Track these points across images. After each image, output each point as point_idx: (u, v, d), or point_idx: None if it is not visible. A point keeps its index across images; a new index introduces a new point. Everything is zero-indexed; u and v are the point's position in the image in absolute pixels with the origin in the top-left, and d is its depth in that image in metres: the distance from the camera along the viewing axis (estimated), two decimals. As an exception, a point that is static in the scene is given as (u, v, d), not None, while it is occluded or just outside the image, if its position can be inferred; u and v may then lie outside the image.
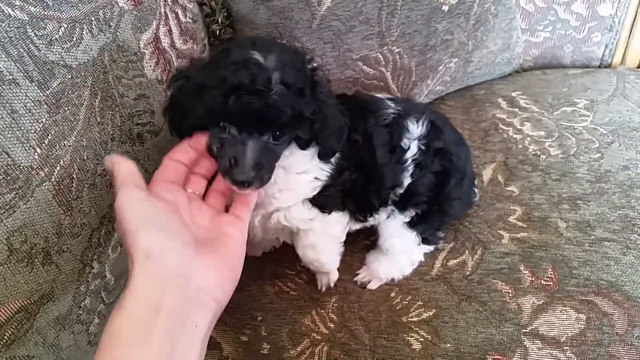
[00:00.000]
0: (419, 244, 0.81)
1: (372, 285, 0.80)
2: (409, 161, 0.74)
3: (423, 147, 0.75)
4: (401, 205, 0.78)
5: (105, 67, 0.64)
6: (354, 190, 0.72)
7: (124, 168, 0.53)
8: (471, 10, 1.04)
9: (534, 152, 0.99)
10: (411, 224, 0.80)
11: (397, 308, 0.77)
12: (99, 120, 0.63)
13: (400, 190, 0.76)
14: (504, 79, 1.24)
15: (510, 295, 0.76)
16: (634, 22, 1.28)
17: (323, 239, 0.73)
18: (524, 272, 0.78)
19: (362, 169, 0.71)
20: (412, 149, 0.74)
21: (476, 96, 1.18)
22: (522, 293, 0.76)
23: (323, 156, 0.66)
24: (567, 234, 0.83)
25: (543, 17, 1.25)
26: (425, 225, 0.81)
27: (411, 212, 0.79)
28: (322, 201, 0.70)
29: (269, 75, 0.55)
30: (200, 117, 0.57)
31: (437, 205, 0.79)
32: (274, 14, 0.88)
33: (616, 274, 0.76)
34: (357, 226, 0.80)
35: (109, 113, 0.65)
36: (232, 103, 0.53)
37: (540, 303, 0.74)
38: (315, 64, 0.65)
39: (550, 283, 0.76)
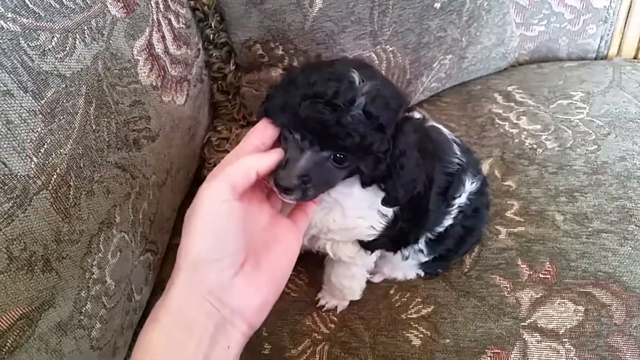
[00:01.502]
0: (419, 270, 0.82)
1: (376, 279, 0.81)
2: (456, 207, 0.73)
3: (469, 202, 0.74)
4: (432, 246, 0.76)
5: (99, 75, 0.65)
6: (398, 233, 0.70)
7: (242, 166, 0.50)
8: (463, 6, 1.04)
9: (530, 146, 0.99)
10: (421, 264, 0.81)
11: (397, 305, 0.77)
12: (94, 127, 0.63)
13: (440, 230, 0.74)
14: (499, 74, 1.25)
15: (509, 289, 0.76)
16: (628, 12, 1.28)
17: (361, 270, 0.74)
18: (522, 266, 0.79)
19: (412, 213, 0.68)
20: (462, 198, 0.73)
21: (472, 92, 1.18)
22: (520, 287, 0.76)
23: (386, 203, 0.61)
24: (565, 226, 0.83)
25: (537, 11, 1.25)
26: (434, 265, 0.81)
27: (435, 255, 0.78)
28: (371, 244, 0.69)
29: (355, 96, 0.52)
30: (275, 110, 0.56)
31: (454, 252, 0.79)
32: (266, 17, 0.89)
33: (614, 265, 0.77)
34: None
35: (105, 120, 0.65)
36: (304, 107, 0.52)
37: (539, 296, 0.75)
38: (412, 115, 0.62)
39: (548, 276, 0.77)
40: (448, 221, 0.73)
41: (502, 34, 1.17)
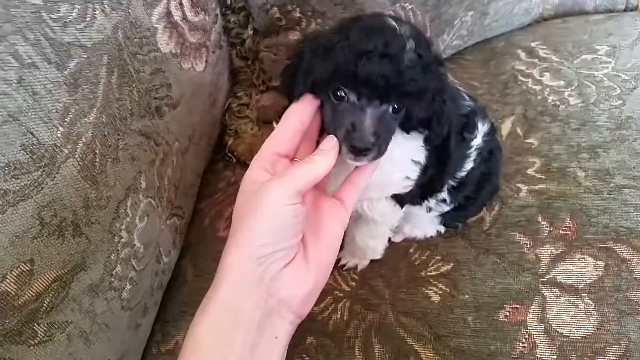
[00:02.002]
0: (440, 225, 0.83)
1: (397, 239, 0.83)
2: (474, 149, 0.74)
3: (483, 144, 0.75)
4: (453, 194, 0.77)
5: (119, 44, 0.66)
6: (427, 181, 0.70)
7: (311, 173, 0.49)
8: (485, -40, 1.02)
9: (553, 103, 0.98)
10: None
11: (416, 264, 0.79)
12: (117, 96, 0.65)
13: (462, 174, 0.75)
14: (523, 30, 1.22)
15: (528, 246, 0.77)
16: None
17: (386, 229, 0.75)
18: (542, 223, 0.79)
19: (437, 157, 0.68)
20: (478, 139, 0.74)
21: (495, 49, 1.16)
22: (540, 243, 0.77)
23: (431, 140, 0.61)
24: (586, 182, 0.83)
25: (563, -38, 1.21)
26: (454, 215, 0.81)
27: (455, 203, 0.79)
28: (404, 197, 0.70)
29: (404, 42, 0.53)
30: (324, 78, 0.54)
31: (473, 200, 0.79)
32: (283, -22, 0.89)
33: (636, 220, 0.76)
34: None
35: (127, 89, 0.67)
36: (362, 65, 0.51)
37: (559, 252, 0.75)
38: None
39: (569, 232, 0.77)
40: (469, 164, 0.74)
41: (526, -12, 1.14)
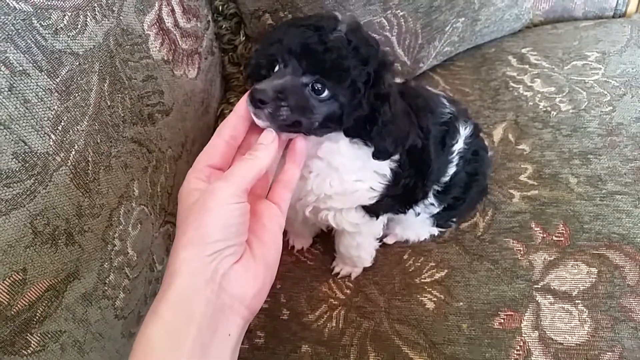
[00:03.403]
0: (433, 227, 0.83)
1: (389, 240, 0.83)
2: (455, 153, 0.74)
3: (466, 146, 0.76)
4: (440, 197, 0.77)
5: (111, 51, 0.65)
6: (404, 192, 0.70)
7: (254, 170, 0.51)
8: (476, -34, 1.02)
9: (544, 109, 0.98)
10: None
11: (410, 270, 0.79)
12: (109, 104, 0.64)
13: (445, 179, 0.75)
14: (513, 36, 1.22)
15: (522, 252, 0.77)
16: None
17: (367, 239, 0.75)
18: (535, 229, 0.79)
19: (415, 168, 0.69)
20: (459, 143, 0.75)
21: (486, 55, 1.17)
22: (533, 250, 0.77)
23: (376, 156, 0.61)
24: (578, 189, 0.83)
25: (553, -32, 1.22)
26: (446, 215, 0.82)
27: (445, 205, 0.79)
28: (376, 208, 0.69)
29: (338, 26, 0.56)
30: (265, 50, 0.58)
31: (462, 201, 0.80)
32: (275, -17, 0.89)
33: (628, 226, 0.77)
34: None
35: (119, 96, 0.66)
36: (290, 33, 0.55)
37: (552, 259, 0.75)
38: (391, 61, 0.62)
39: (562, 239, 0.77)
40: (452, 169, 0.75)
41: (516, -5, 1.15)
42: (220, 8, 0.93)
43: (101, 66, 0.63)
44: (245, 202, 0.49)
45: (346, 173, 0.64)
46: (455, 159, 0.75)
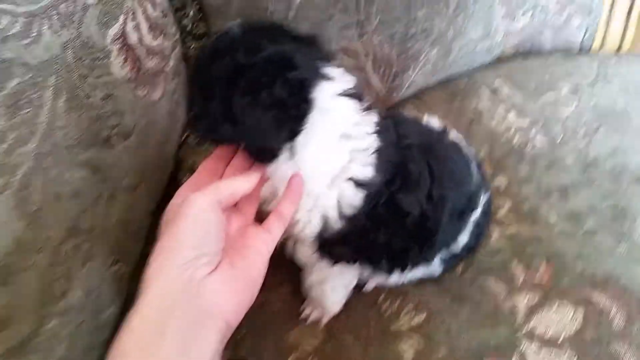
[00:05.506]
0: None
1: (369, 287, 0.76)
2: (471, 222, 0.70)
3: (482, 216, 0.72)
4: (449, 262, 0.73)
5: (69, 65, 0.59)
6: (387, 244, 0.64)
7: (230, 186, 0.53)
8: (450, -5, 1.00)
9: (519, 142, 0.96)
10: None
11: (387, 314, 0.73)
12: (63, 123, 0.58)
13: (457, 247, 0.70)
14: (484, 69, 1.20)
15: (504, 294, 0.73)
16: (612, 4, 1.25)
17: (329, 283, 0.68)
18: (517, 268, 0.75)
19: (406, 230, 0.63)
20: (477, 212, 0.70)
21: (458, 87, 1.14)
22: (516, 291, 0.73)
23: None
24: (559, 226, 0.80)
25: (522, 3, 1.21)
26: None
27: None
28: (328, 250, 0.63)
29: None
30: None
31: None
32: (248, 5, 0.84)
33: (611, 266, 0.74)
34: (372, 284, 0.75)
35: (75, 115, 0.60)
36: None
37: (535, 301, 0.71)
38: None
39: (544, 279, 0.74)
40: (464, 238, 0.70)
41: (488, 27, 1.13)
42: (189, 27, 0.88)
43: (57, 80, 0.56)
44: (219, 213, 0.50)
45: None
46: (470, 227, 0.70)
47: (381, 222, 0.61)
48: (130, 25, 0.73)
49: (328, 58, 0.59)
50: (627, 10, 1.26)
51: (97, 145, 0.65)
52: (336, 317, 0.73)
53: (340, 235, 0.60)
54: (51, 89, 0.55)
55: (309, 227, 0.60)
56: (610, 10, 1.26)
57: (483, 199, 0.71)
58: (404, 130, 0.65)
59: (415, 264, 0.69)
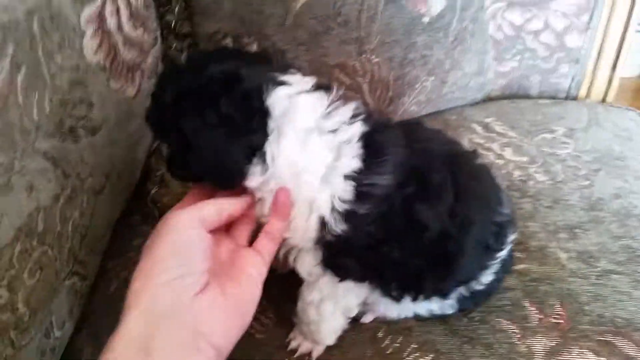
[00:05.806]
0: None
1: (366, 319, 0.67)
2: (497, 261, 0.63)
3: (508, 256, 0.66)
4: (464, 302, 0.65)
5: (33, 36, 0.50)
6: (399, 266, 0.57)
7: (215, 205, 0.51)
8: (450, 26, 0.97)
9: (519, 178, 0.91)
10: None
11: (388, 352, 0.63)
12: (20, 101, 0.47)
13: (479, 287, 0.63)
14: (475, 106, 1.17)
15: (518, 336, 0.64)
16: (599, 55, 1.26)
17: (330, 304, 0.59)
18: (530, 308, 0.68)
19: (420, 247, 0.56)
20: (504, 252, 0.63)
21: (449, 121, 1.10)
22: (530, 333, 0.65)
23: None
24: (570, 265, 0.74)
25: (511, 46, 1.20)
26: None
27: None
28: (334, 263, 0.56)
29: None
30: None
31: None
32: (241, 5, 0.78)
33: (631, 310, 0.67)
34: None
35: (35, 94, 0.50)
36: None
37: (553, 345, 0.63)
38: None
39: (561, 321, 0.66)
40: (488, 277, 0.62)
41: (482, 62, 1.11)
42: (172, 24, 0.80)
43: (17, 50, 0.47)
44: (201, 231, 0.48)
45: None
46: (495, 266, 0.62)
47: (394, 233, 0.54)
48: (109, 9, 0.65)
49: (284, 69, 0.56)
50: (612, 63, 1.27)
51: (60, 135, 0.56)
52: (328, 352, 0.63)
53: (345, 241, 0.53)
54: (9, 58, 0.46)
55: (309, 232, 0.54)
56: (597, 61, 1.26)
57: (511, 238, 0.64)
58: (422, 134, 0.60)
59: (429, 294, 0.60)
